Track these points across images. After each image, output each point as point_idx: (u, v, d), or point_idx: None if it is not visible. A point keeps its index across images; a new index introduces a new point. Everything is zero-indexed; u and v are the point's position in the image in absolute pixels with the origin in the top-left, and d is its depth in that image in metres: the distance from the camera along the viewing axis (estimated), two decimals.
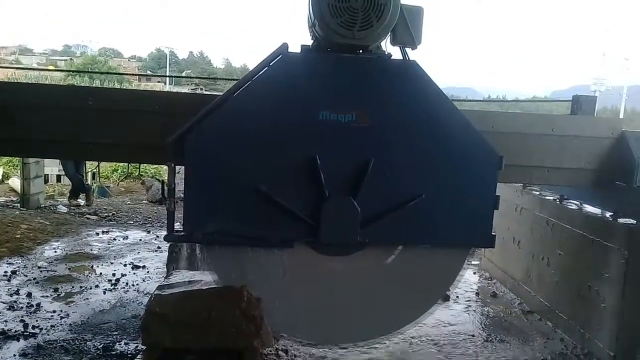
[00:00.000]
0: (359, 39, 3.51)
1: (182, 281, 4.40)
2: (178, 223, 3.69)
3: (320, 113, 3.50)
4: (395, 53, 3.86)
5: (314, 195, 3.56)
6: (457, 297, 5.85)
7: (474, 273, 6.82)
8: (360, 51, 3.70)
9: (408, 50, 3.85)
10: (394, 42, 3.87)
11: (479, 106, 20.11)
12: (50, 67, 42.50)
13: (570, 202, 5.13)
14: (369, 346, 4.28)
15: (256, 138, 3.52)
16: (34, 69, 36.17)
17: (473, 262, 7.16)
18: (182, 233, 3.67)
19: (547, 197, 5.45)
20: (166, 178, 3.73)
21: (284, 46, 3.52)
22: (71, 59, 56.30)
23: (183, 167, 3.57)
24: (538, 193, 5.67)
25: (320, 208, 3.57)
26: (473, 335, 4.80)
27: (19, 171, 9.43)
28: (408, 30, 3.82)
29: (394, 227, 3.65)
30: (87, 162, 10.08)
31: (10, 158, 12.09)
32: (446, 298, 5.75)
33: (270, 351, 4.19)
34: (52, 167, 11.69)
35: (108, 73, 37.42)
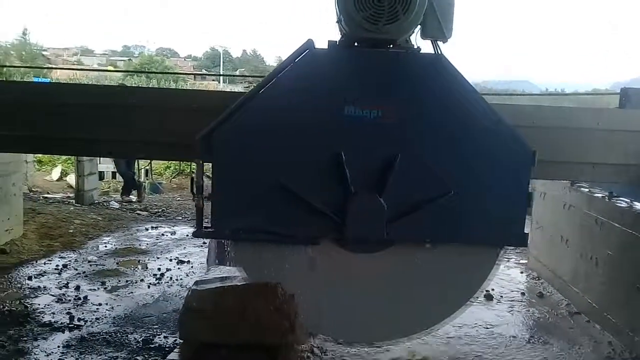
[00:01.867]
0: (385, 33, 3.45)
1: (218, 276, 4.46)
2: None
3: (345, 108, 3.47)
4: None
5: (340, 191, 3.54)
6: (502, 297, 5.70)
7: (521, 272, 6.62)
8: (391, 45, 3.66)
9: (446, 43, 3.77)
10: (424, 35, 3.80)
11: (535, 100, 19.51)
12: (110, 68, 44.01)
13: (620, 200, 4.90)
14: (404, 343, 4.21)
15: (282, 134, 3.52)
16: (92, 70, 37.45)
17: (521, 261, 6.98)
18: (211, 229, 3.72)
19: (596, 194, 5.22)
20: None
21: (310, 42, 3.51)
22: (129, 59, 57.96)
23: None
24: (587, 190, 5.44)
25: (346, 205, 3.55)
26: (514, 337, 4.66)
27: (73, 169, 9.79)
28: (438, 22, 3.74)
29: (422, 224, 3.59)
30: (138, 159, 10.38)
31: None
32: (489, 298, 5.63)
33: (305, 348, 4.18)
34: (108, 164, 12.09)
35: (163, 73, 38.35)
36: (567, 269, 5.63)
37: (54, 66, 37.71)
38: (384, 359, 4.15)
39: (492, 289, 5.85)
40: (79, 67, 40.88)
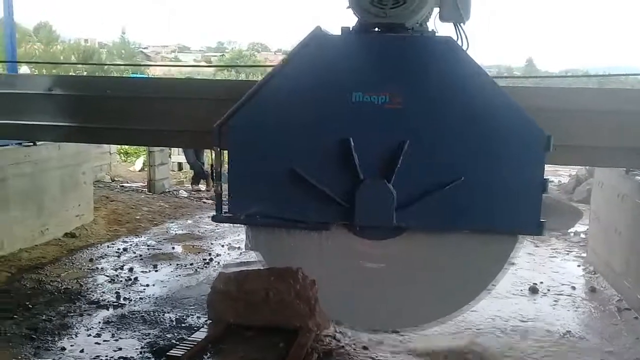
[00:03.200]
0: (391, 17, 3.45)
1: (246, 260, 4.64)
2: None
3: (353, 94, 3.50)
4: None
5: (349, 177, 3.58)
6: (549, 290, 5.49)
7: (579, 266, 6.32)
8: (411, 30, 3.63)
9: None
10: (442, 19, 3.75)
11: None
12: (203, 63, 45.73)
13: None
14: (423, 333, 4.18)
15: (292, 121, 3.62)
16: (184, 66, 39.04)
17: (582, 254, 6.65)
18: (228, 214, 3.88)
19: None
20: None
21: (317, 29, 3.56)
22: (222, 54, 59.89)
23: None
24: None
25: (355, 191, 3.58)
26: (548, 331, 4.48)
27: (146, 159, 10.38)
28: (455, 5, 3.67)
29: (432, 211, 3.55)
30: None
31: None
32: (534, 291, 5.43)
33: (327, 333, 4.24)
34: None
35: (251, 66, 39.35)
36: (620, 262, 5.32)
37: (150, 63, 39.72)
38: (405, 347, 4.13)
39: (541, 282, 5.65)
40: (173, 63, 42.88)
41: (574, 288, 5.56)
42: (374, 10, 3.46)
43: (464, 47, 3.76)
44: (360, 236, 3.82)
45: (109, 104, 4.68)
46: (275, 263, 4.03)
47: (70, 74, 22.03)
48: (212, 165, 3.98)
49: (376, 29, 3.65)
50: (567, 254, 6.83)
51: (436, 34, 3.72)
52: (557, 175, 12.91)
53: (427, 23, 3.87)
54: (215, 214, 4.00)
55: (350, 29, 3.66)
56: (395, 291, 3.85)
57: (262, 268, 4.25)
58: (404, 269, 3.83)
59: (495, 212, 3.52)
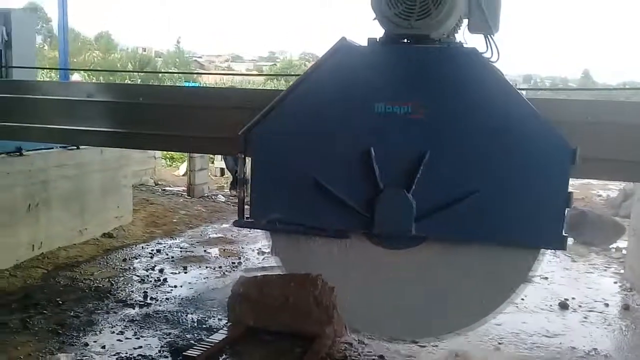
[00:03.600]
0: (417, 28, 3.45)
1: (267, 265, 4.70)
2: None
3: (375, 105, 3.51)
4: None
5: (369, 187, 3.59)
6: (580, 306, 5.32)
7: (615, 282, 6.10)
8: (437, 41, 3.62)
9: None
10: (471, 30, 3.73)
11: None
12: (254, 72, 46.49)
13: None
14: (447, 344, 4.14)
15: (314, 130, 3.66)
16: (235, 74, 39.73)
17: (621, 271, 6.41)
18: (250, 220, 3.95)
19: None
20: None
21: (342, 40, 3.60)
22: (274, 63, 60.70)
23: None
24: None
25: (375, 200, 3.58)
26: (574, 348, 4.35)
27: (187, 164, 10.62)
28: (483, 16, 3.64)
29: (452, 222, 3.51)
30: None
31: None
32: (564, 306, 5.28)
33: (344, 340, 4.24)
34: None
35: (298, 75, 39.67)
36: None
37: (202, 72, 40.65)
38: (421, 357, 4.09)
39: (573, 298, 5.49)
40: (224, 72, 43.78)
41: (607, 305, 5.37)
42: (399, 21, 3.46)
43: (494, 59, 3.72)
44: (380, 245, 3.82)
45: (144, 110, 4.86)
46: (294, 269, 4.07)
47: (126, 81, 22.77)
48: (236, 171, 4.07)
49: (405, 40, 3.65)
50: (605, 270, 6.60)
51: (463, 45, 3.69)
52: (607, 189, 12.50)
53: (456, 34, 3.86)
54: (237, 219, 4.07)
55: (377, 40, 3.68)
56: (413, 301, 3.82)
57: (282, 273, 4.30)
58: (422, 279, 3.80)
59: (517, 225, 3.44)
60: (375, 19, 3.67)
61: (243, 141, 3.88)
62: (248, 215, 4.00)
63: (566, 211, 3.45)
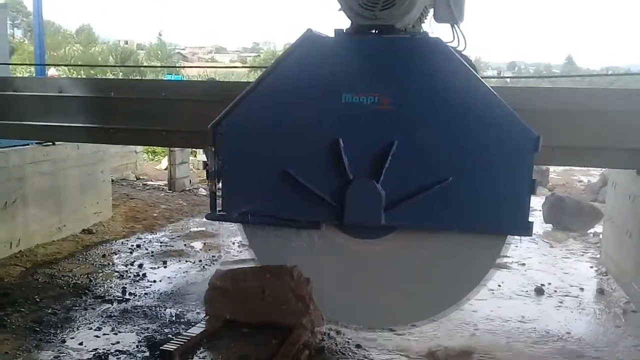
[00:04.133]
0: (381, 19, 3.47)
1: (244, 258, 4.71)
2: None
3: (343, 96, 3.53)
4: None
5: (339, 178, 3.61)
6: (555, 291, 5.40)
7: (591, 267, 6.19)
8: (403, 31, 3.64)
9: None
10: (436, 19, 3.75)
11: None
12: (238, 64, 46.25)
13: None
14: (419, 332, 4.18)
15: (283, 122, 3.67)
16: (218, 67, 39.47)
17: (597, 256, 6.51)
18: (222, 213, 3.95)
19: None
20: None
21: (308, 31, 3.60)
22: (258, 54, 60.37)
23: None
24: None
25: (344, 191, 3.61)
26: (548, 332, 4.41)
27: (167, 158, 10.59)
28: (448, 6, 3.67)
29: (420, 211, 3.55)
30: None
31: None
32: (540, 292, 5.35)
33: (321, 330, 4.27)
34: None
35: None
36: (630, 264, 5.19)
37: (184, 65, 40.39)
38: (399, 346, 4.13)
39: (549, 283, 5.57)
40: (207, 64, 43.56)
41: (582, 290, 5.45)
42: (363, 12, 3.48)
43: (461, 48, 3.75)
44: (350, 235, 3.85)
45: (117, 105, 4.84)
46: (267, 261, 4.09)
47: (107, 75, 22.56)
48: (206, 164, 4.07)
49: (373, 31, 3.66)
50: (582, 255, 6.70)
51: (428, 35, 3.71)
52: (588, 175, 12.65)
53: (422, 24, 3.88)
54: (208, 212, 4.08)
55: (344, 31, 3.69)
56: (385, 290, 3.86)
57: (258, 266, 4.32)
58: (393, 268, 3.83)
59: (484, 213, 3.50)
60: (340, 9, 3.68)
61: (213, 134, 3.87)
62: (220, 209, 3.99)
63: (531, 198, 3.50)
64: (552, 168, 11.65)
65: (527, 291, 5.36)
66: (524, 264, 6.19)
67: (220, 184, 3.95)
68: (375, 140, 3.55)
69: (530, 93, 4.25)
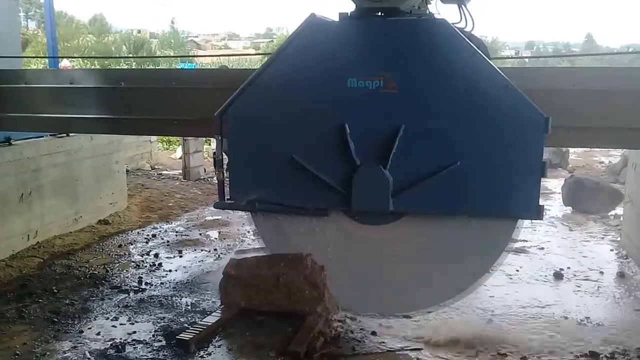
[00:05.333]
0: (385, 1, 3.40)
1: (259, 247, 4.69)
2: None
3: (348, 80, 3.47)
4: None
5: (346, 164, 3.57)
6: (574, 275, 5.33)
7: (612, 250, 6.09)
8: (408, 13, 3.57)
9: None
10: (444, 0, 3.67)
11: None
12: (251, 50, 46.19)
13: None
14: (436, 319, 4.15)
15: (288, 108, 3.63)
16: (231, 55, 39.35)
17: (617, 239, 6.40)
18: (230, 201, 3.93)
19: None
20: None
21: (311, 16, 3.54)
22: (271, 40, 60.20)
23: None
24: None
25: (351, 177, 3.57)
26: (566, 318, 4.35)
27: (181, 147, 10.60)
28: None
29: (429, 196, 3.51)
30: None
31: None
32: (559, 276, 5.28)
33: (336, 318, 4.25)
34: None
35: None
36: None
37: (195, 54, 40.33)
38: (414, 333, 4.09)
39: (568, 267, 5.48)
40: (217, 53, 43.47)
41: (602, 273, 5.36)
42: None
43: (469, 29, 3.67)
44: (359, 221, 3.81)
45: (127, 95, 4.82)
46: (275, 249, 4.09)
47: (120, 66, 22.63)
48: (214, 153, 4.04)
49: (378, 14, 3.59)
50: (602, 238, 6.60)
51: (434, 17, 3.63)
52: (609, 155, 12.43)
53: (429, 6, 3.80)
54: (217, 201, 4.06)
55: (348, 15, 3.62)
56: (395, 276, 3.83)
57: (272, 254, 4.30)
58: (403, 254, 3.80)
59: (493, 196, 3.44)
60: None
61: (219, 122, 3.85)
62: (229, 197, 3.98)
63: (541, 180, 3.43)
64: (572, 149, 11.47)
65: (545, 276, 5.29)
66: (542, 248, 6.10)
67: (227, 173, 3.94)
68: (382, 125, 3.51)
69: (548, 73, 4.14)
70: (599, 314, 4.40)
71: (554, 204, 8.20)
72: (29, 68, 9.13)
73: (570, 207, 7.96)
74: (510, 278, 5.15)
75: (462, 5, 3.70)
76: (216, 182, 9.03)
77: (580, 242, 6.47)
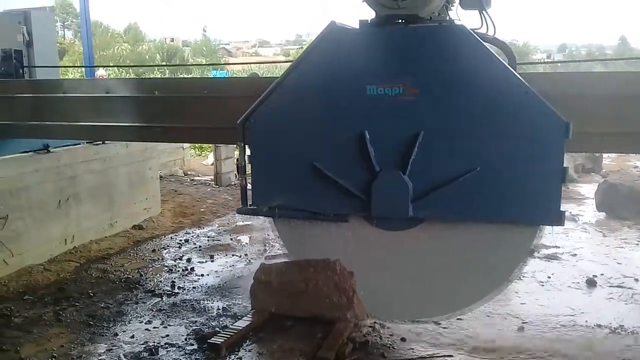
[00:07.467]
0: (404, 8, 3.43)
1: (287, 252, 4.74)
2: None
3: (368, 87, 3.51)
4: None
5: (365, 170, 3.62)
6: (608, 282, 5.23)
7: None
8: (428, 20, 3.60)
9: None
10: (463, 6, 3.70)
11: None
12: (281, 57, 46.54)
13: None
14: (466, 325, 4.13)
15: (309, 116, 3.70)
16: (262, 62, 39.71)
17: None
18: (252, 207, 4.01)
19: None
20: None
21: (332, 24, 3.59)
22: (301, 47, 60.49)
23: None
24: None
25: (371, 183, 3.61)
26: (599, 325, 4.28)
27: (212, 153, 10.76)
28: None
29: (449, 202, 3.52)
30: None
31: None
32: (592, 283, 5.19)
33: (365, 323, 4.27)
34: None
35: None
36: None
37: (224, 63, 40.79)
38: (443, 340, 4.08)
39: (602, 274, 5.39)
40: (252, 60, 43.88)
41: (636, 280, 5.26)
42: (386, 2, 3.46)
43: (490, 34, 3.67)
44: (379, 227, 3.84)
45: (160, 103, 4.93)
46: (298, 254, 4.15)
47: (155, 74, 23.08)
48: (237, 160, 4.13)
49: (399, 21, 3.62)
50: (637, 244, 6.47)
51: (453, 23, 3.65)
52: None
53: (449, 12, 3.82)
54: (240, 207, 4.14)
55: (368, 22, 3.66)
56: (415, 282, 3.85)
57: (301, 260, 4.35)
58: (423, 260, 3.82)
59: (514, 203, 3.43)
60: (363, 0, 3.66)
61: (241, 130, 3.92)
62: (251, 203, 4.05)
63: (562, 186, 3.41)
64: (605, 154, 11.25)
65: (578, 283, 5.21)
66: (575, 255, 6.01)
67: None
68: (401, 132, 3.54)
69: (579, 77, 4.09)
70: (634, 322, 4.31)
71: (587, 210, 8.07)
72: (66, 78, 9.38)
73: (604, 213, 7.81)
74: (542, 285, 5.10)
75: (483, 11, 3.70)
76: (248, 188, 9.23)
77: (614, 248, 6.35)
